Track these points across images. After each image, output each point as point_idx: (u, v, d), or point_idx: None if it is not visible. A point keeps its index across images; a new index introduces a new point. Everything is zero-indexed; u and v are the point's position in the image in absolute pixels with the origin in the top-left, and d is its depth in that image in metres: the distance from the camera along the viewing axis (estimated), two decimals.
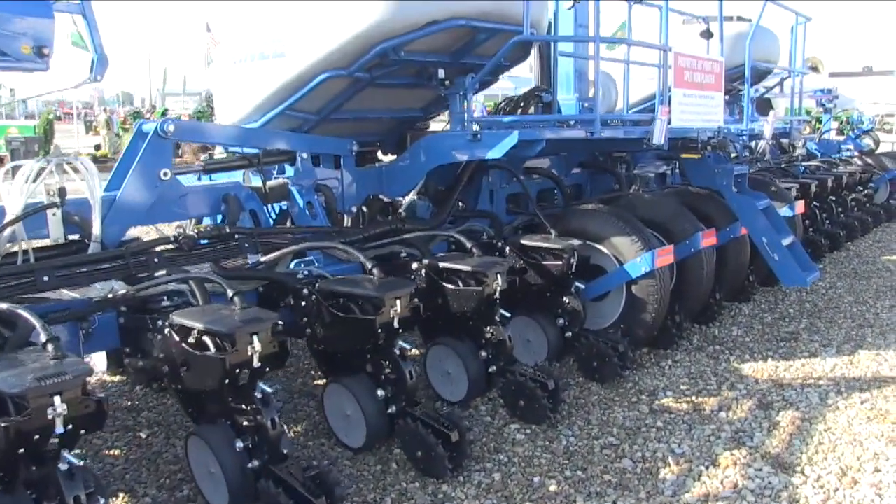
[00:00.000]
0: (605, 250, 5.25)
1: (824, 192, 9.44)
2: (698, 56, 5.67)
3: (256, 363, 3.24)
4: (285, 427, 3.44)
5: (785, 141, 11.32)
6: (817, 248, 8.79)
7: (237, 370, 3.21)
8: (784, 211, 7.27)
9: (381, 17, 4.44)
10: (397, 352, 3.93)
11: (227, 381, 3.21)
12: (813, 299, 7.11)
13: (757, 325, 6.28)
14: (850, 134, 13.97)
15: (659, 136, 5.16)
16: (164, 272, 3.90)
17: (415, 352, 4.86)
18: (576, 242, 5.00)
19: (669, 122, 5.32)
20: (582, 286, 5.12)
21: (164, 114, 24.94)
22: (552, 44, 6.45)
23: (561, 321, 5.05)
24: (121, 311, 3.69)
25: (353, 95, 5.07)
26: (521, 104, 6.52)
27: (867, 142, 13.62)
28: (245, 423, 3.33)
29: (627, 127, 5.65)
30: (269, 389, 3.36)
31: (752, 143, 10.43)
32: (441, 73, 5.10)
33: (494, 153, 4.80)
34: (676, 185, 7.69)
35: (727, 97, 10.01)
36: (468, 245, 4.65)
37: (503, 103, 6.74)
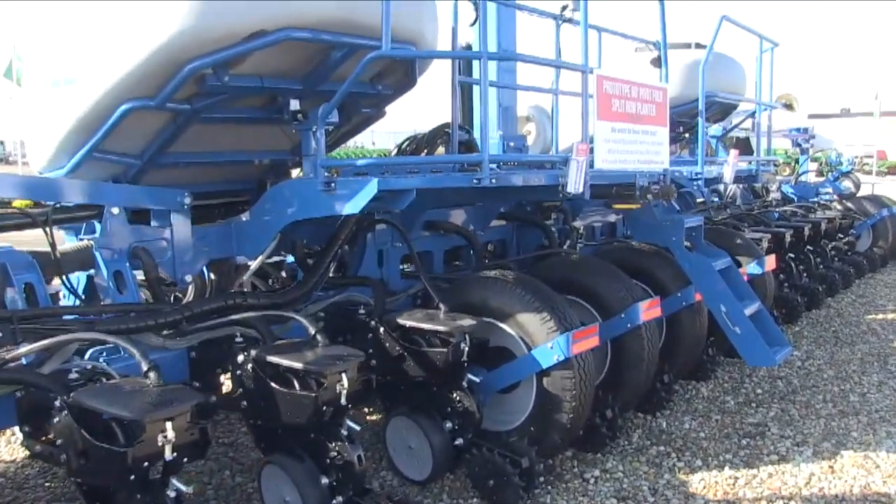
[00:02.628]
0: (509, 330, 4.05)
1: (801, 241, 8.32)
2: (631, 81, 4.53)
3: None
4: None
5: (758, 185, 10.28)
6: (793, 308, 7.64)
7: None
8: (752, 268, 6.17)
9: (182, 27, 3.25)
10: (172, 494, 2.75)
11: None
12: (786, 374, 5.91)
13: (715, 414, 5.06)
14: (829, 176, 12.93)
15: (575, 183, 3.99)
16: None
17: None
18: (468, 322, 3.81)
19: (592, 165, 4.18)
20: (477, 379, 3.93)
21: None
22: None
23: (449, 424, 3.86)
24: None
25: (178, 132, 3.90)
26: (427, 145, 5.40)
27: (847, 185, 12.57)
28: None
29: (530, 171, 4.49)
30: None
31: (721, 187, 9.41)
32: (295, 104, 3.96)
33: (350, 207, 3.63)
34: (621, 238, 6.54)
35: (687, 135, 9.01)
36: (312, 330, 3.47)
37: (406, 143, 5.60)
